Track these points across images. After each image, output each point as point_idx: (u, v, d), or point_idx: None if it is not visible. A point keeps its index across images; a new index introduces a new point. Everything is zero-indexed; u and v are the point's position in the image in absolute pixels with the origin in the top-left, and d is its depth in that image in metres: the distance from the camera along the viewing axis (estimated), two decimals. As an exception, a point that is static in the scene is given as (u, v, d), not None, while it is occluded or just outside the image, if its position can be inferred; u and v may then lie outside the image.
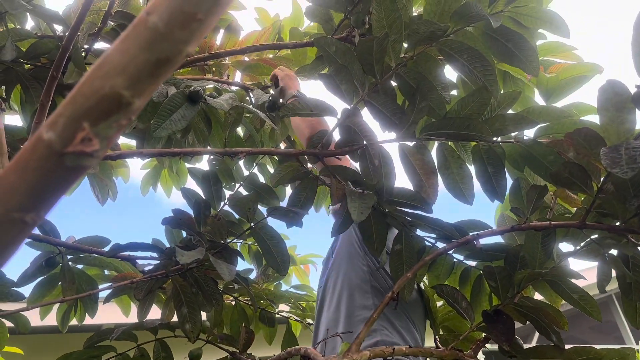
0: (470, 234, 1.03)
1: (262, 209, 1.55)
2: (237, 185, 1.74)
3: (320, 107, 1.04)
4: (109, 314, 2.05)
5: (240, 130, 1.82)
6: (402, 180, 1.27)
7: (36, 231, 1.54)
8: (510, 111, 1.15)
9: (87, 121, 0.32)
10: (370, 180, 1.03)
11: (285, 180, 1.08)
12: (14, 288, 1.45)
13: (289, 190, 1.83)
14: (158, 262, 1.43)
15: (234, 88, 1.80)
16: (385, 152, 1.04)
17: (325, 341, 1.12)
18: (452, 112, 1.10)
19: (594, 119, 1.32)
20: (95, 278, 1.69)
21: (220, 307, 1.55)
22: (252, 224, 1.25)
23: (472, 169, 1.17)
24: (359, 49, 1.00)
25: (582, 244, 1.00)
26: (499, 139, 1.11)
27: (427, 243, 1.15)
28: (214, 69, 1.85)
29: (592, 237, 0.90)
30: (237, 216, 1.50)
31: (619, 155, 0.70)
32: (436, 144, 1.13)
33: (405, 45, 1.07)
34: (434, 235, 1.13)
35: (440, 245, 1.14)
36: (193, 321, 1.32)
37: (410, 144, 1.08)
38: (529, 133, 1.16)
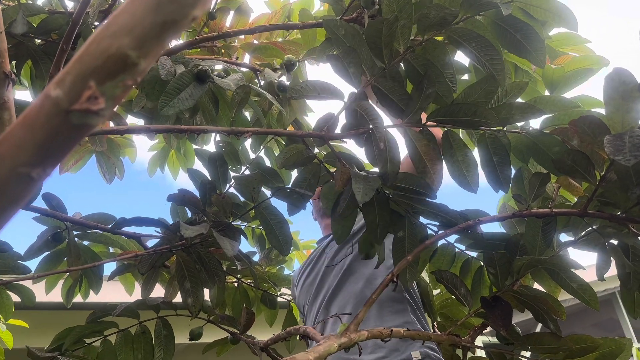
0: (470, 220, 1.04)
1: (267, 192, 1.57)
2: (243, 167, 1.76)
3: (327, 89, 1.04)
4: (113, 292, 2.07)
5: (247, 114, 1.83)
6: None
7: (43, 206, 1.56)
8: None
9: (94, 80, 0.32)
10: (375, 164, 1.04)
11: (290, 162, 1.08)
12: (20, 261, 1.48)
13: (294, 174, 1.85)
14: (162, 237, 1.45)
15: (242, 69, 1.81)
16: (390, 136, 1.04)
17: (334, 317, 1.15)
18: (459, 99, 1.10)
19: (601, 112, 1.32)
20: (100, 255, 1.71)
21: (222, 285, 1.57)
22: (256, 205, 1.26)
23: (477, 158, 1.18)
24: (368, 32, 1.01)
25: (582, 233, 1.01)
26: (505, 129, 1.11)
27: (429, 231, 1.15)
28: (222, 51, 1.86)
29: (593, 226, 0.90)
30: (242, 199, 1.52)
31: (623, 143, 0.70)
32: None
33: (414, 30, 1.07)
34: (437, 223, 1.13)
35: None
36: (195, 296, 1.33)
37: (417, 129, 1.08)
38: (535, 124, 1.16)
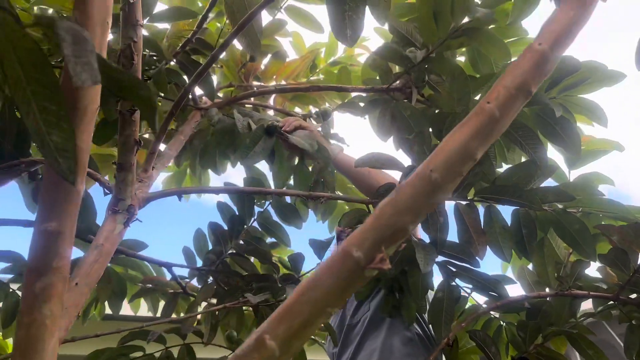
0: (520, 295, 1.17)
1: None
2: (267, 203, 1.86)
3: (391, 162, 1.16)
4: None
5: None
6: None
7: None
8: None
9: (384, 245, 0.43)
10: (427, 232, 1.16)
11: (353, 222, 1.19)
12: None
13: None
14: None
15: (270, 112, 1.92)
16: (443, 207, 1.17)
17: None
18: (501, 178, 1.24)
19: (607, 188, 1.50)
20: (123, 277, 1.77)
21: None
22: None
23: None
24: (432, 117, 1.13)
25: (601, 307, 1.16)
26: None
27: (462, 293, 1.28)
28: (255, 90, 1.96)
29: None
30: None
31: (666, 253, 0.85)
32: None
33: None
34: (471, 286, 1.26)
35: (475, 295, 1.28)
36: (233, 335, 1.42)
37: (464, 203, 1.21)
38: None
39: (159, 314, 1.87)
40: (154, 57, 1.31)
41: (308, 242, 1.21)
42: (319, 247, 1.17)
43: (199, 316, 1.79)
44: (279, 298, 1.19)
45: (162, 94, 1.32)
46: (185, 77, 1.52)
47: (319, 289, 0.43)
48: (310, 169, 1.25)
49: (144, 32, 1.33)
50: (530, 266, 1.43)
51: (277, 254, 2.05)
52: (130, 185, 0.88)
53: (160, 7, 1.37)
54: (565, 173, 1.49)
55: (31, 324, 0.45)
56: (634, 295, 1.06)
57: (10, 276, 1.47)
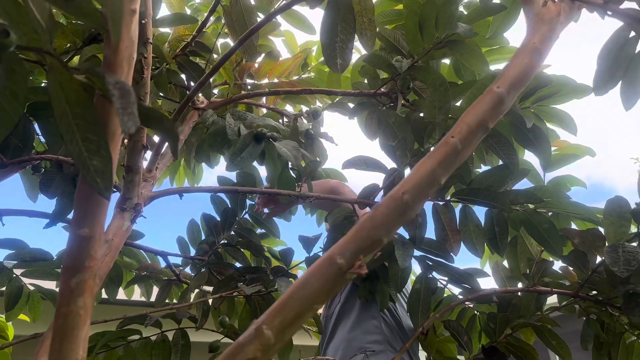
0: (490, 289, 1.28)
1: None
2: (257, 196, 1.95)
3: (376, 164, 1.26)
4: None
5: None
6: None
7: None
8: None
9: (362, 255, 0.53)
10: (408, 230, 1.26)
11: (339, 221, 1.29)
12: (57, 270, 1.60)
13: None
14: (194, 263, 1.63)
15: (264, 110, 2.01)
16: (423, 209, 1.27)
17: None
18: (476, 180, 1.34)
19: (578, 191, 1.61)
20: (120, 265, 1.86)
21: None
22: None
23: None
24: (414, 124, 1.23)
25: (564, 302, 1.27)
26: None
27: (439, 285, 1.39)
28: (249, 88, 2.03)
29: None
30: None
31: (618, 256, 0.96)
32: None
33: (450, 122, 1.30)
34: (446, 279, 1.37)
35: (450, 286, 1.39)
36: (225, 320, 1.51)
37: (441, 203, 1.31)
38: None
39: (152, 300, 1.96)
40: (156, 59, 1.39)
41: (298, 238, 1.30)
42: (307, 243, 1.27)
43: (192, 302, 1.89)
44: (270, 289, 1.28)
45: (163, 94, 1.39)
46: (183, 76, 1.60)
47: (308, 289, 0.52)
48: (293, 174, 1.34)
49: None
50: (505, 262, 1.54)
51: (267, 244, 2.15)
52: (137, 185, 0.96)
53: (163, 11, 1.45)
54: (541, 175, 1.61)
55: (68, 314, 0.54)
56: (594, 292, 1.17)
57: (13, 262, 1.55)
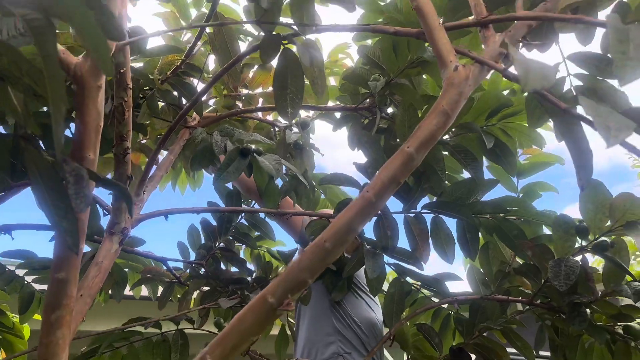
0: (451, 297, 1.38)
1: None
2: (253, 202, 2.07)
3: (350, 181, 1.36)
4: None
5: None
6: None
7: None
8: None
9: (290, 294, 0.63)
10: (380, 242, 1.36)
11: (317, 233, 1.39)
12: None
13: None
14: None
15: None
16: (393, 219, 1.36)
17: None
18: (447, 192, 1.43)
19: (548, 196, 1.70)
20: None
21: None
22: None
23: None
24: (385, 146, 1.32)
25: (523, 309, 1.37)
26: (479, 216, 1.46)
27: (412, 288, 1.49)
28: (243, 98, 2.14)
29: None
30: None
31: (560, 271, 1.05)
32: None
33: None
34: (419, 283, 1.47)
35: (423, 290, 1.49)
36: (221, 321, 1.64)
37: (412, 215, 1.41)
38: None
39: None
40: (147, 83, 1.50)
41: (276, 252, 1.41)
42: (285, 257, 1.38)
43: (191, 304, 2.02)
44: (247, 300, 1.40)
45: (154, 115, 1.50)
46: (175, 93, 1.71)
47: (245, 324, 0.63)
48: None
49: (139, 64, 1.51)
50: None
51: (266, 245, 2.27)
52: (124, 211, 1.07)
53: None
54: (514, 182, 1.69)
55: (49, 344, 0.65)
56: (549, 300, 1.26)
57: (25, 270, 1.68)
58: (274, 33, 0.90)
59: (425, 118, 0.68)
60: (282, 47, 0.90)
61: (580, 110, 0.59)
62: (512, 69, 0.67)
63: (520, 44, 0.79)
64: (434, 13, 0.74)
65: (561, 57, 0.89)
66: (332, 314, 1.54)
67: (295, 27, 0.89)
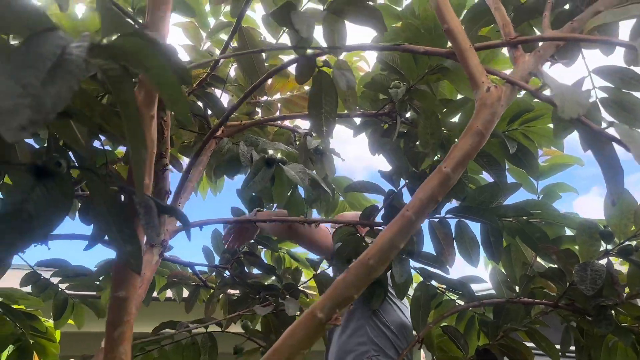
0: (477, 301, 1.41)
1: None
2: (274, 205, 2.11)
3: (374, 188, 1.39)
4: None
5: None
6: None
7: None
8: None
9: (338, 308, 0.67)
10: (406, 247, 1.40)
11: (343, 240, 1.43)
12: (97, 282, 1.80)
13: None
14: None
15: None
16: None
17: None
18: (470, 196, 1.46)
19: (568, 195, 1.72)
20: (151, 273, 2.05)
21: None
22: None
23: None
24: (407, 154, 1.36)
25: (548, 311, 1.40)
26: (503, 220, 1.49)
27: (437, 291, 1.53)
28: (262, 105, 2.18)
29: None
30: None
31: (586, 275, 1.08)
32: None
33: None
34: (445, 287, 1.50)
35: (448, 293, 1.52)
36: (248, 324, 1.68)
37: (436, 220, 1.44)
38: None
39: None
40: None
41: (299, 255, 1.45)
42: (313, 264, 1.42)
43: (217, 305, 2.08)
44: (280, 307, 1.44)
45: (181, 127, 1.55)
46: (200, 103, 1.75)
47: (295, 338, 0.67)
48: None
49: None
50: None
51: (286, 247, 2.32)
52: (163, 224, 1.12)
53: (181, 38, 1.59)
54: (534, 183, 1.72)
55: (113, 358, 0.70)
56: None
57: (59, 278, 1.74)
58: (308, 53, 0.94)
59: (461, 138, 0.72)
60: (316, 70, 0.94)
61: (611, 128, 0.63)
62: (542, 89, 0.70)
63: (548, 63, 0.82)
64: (464, 35, 0.77)
65: (586, 71, 0.92)
66: (367, 323, 1.58)
67: (325, 47, 0.93)
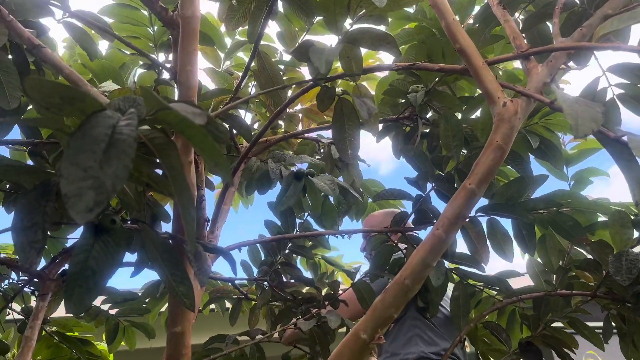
0: (517, 297, 1.43)
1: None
2: (305, 214, 2.17)
3: (402, 194, 1.43)
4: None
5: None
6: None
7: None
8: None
9: (380, 328, 0.71)
10: (439, 249, 1.43)
11: (377, 248, 1.47)
12: (144, 305, 1.88)
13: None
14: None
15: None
16: (449, 227, 1.43)
17: None
18: (497, 193, 1.48)
19: (602, 180, 1.73)
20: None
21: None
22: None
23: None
24: (434, 159, 1.39)
25: (587, 300, 1.41)
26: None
27: (476, 289, 1.55)
28: (284, 117, 2.23)
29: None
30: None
31: (621, 265, 1.09)
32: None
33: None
34: (482, 285, 1.53)
35: (486, 289, 1.55)
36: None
37: (467, 219, 1.47)
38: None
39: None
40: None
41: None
42: (350, 275, 1.46)
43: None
44: (323, 320, 1.48)
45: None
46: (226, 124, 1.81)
47: (342, 358, 0.71)
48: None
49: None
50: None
51: (320, 252, 2.37)
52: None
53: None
54: (565, 170, 1.73)
55: (176, 389, 0.75)
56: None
57: (108, 305, 1.83)
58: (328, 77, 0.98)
59: (482, 154, 0.75)
60: (337, 98, 0.98)
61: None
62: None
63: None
64: (477, 53, 0.80)
65: (600, 70, 0.93)
66: (416, 326, 1.62)
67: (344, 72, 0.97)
